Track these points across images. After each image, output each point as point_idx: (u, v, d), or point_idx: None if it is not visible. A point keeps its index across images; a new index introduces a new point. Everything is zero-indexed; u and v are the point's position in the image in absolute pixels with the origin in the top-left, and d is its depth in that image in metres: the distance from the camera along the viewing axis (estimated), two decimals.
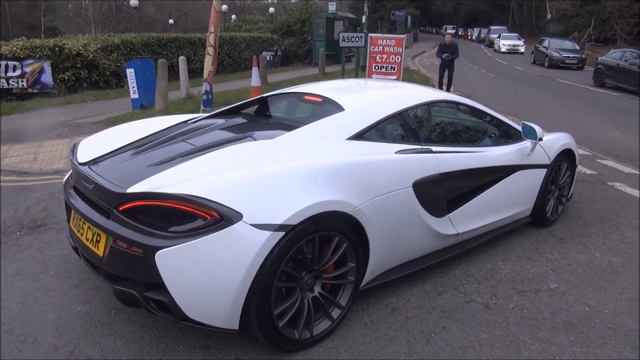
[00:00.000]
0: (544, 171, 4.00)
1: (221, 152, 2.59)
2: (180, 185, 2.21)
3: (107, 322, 2.69)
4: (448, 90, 12.23)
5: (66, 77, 12.78)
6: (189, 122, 3.48)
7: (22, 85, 11.80)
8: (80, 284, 3.11)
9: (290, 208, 2.24)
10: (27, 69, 11.85)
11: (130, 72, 9.48)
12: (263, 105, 3.89)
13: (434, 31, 70.20)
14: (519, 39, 34.74)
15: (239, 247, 2.13)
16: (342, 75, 12.43)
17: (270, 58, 20.85)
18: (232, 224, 2.12)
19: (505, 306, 2.94)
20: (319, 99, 3.37)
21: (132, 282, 2.26)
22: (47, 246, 3.66)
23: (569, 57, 22.82)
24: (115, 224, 2.28)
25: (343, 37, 11.66)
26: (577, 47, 24.44)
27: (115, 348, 2.48)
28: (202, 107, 7.74)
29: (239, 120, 3.46)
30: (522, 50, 32.18)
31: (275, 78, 15.24)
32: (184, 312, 2.15)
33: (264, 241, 2.15)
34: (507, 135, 3.91)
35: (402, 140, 3.11)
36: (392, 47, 10.82)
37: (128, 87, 9.76)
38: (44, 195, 4.83)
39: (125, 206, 2.26)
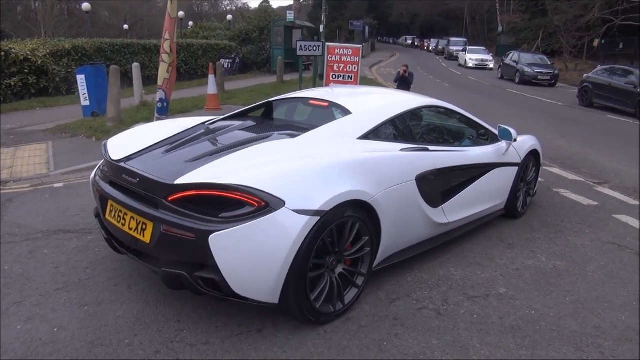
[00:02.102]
0: (515, 169, 4.54)
1: (254, 148, 2.93)
2: (229, 177, 2.50)
3: (49, 341, 2.57)
4: None
5: (12, 83, 12.26)
6: (206, 123, 3.77)
7: None
8: (21, 300, 2.96)
9: (324, 196, 2.59)
10: None
11: (81, 79, 9.18)
12: (270, 109, 4.23)
13: (392, 41, 71.63)
14: (486, 53, 32.36)
15: (283, 230, 2.45)
16: (300, 83, 12.46)
17: (228, 66, 20.70)
18: (277, 210, 2.44)
19: (456, 312, 3.00)
20: (325, 104, 3.79)
21: (180, 263, 2.52)
22: None
23: (541, 72, 21.30)
24: (166, 213, 2.54)
25: (301, 45, 11.71)
26: (549, 62, 22.92)
27: None
28: (156, 115, 7.58)
29: (253, 122, 3.75)
30: (491, 65, 29.71)
31: (233, 86, 15.12)
32: (232, 289, 2.44)
33: (303, 225, 2.47)
34: (484, 136, 4.41)
35: (403, 139, 3.53)
36: (349, 57, 10.93)
37: (79, 94, 9.45)
38: None
39: (175, 196, 2.53)
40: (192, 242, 2.42)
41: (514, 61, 22.73)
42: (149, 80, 15.02)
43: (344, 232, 2.78)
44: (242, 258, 2.42)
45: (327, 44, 11.19)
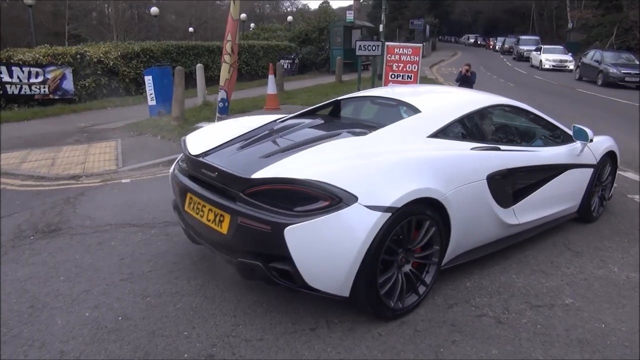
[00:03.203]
0: (590, 171, 4.38)
1: (325, 145, 2.97)
2: (304, 172, 2.58)
3: (114, 329, 2.69)
4: None
5: (87, 84, 13.02)
6: (277, 121, 3.85)
7: (44, 91, 12.03)
8: (90, 289, 3.12)
9: (396, 193, 2.61)
10: (49, 76, 12.09)
11: (148, 80, 9.60)
12: (338, 107, 4.28)
13: (453, 40, 69.89)
14: (564, 52, 28.37)
15: (356, 225, 2.50)
16: (359, 83, 12.41)
17: (287, 66, 20.95)
18: (349, 205, 2.50)
19: (518, 321, 2.86)
20: (394, 102, 3.87)
21: (255, 254, 2.62)
22: (60, 251, 3.69)
23: (629, 73, 18.57)
24: (242, 205, 2.65)
25: (360, 45, 11.66)
26: (637, 62, 19.97)
27: (121, 355, 2.47)
28: (217, 114, 7.80)
29: (322, 120, 3.82)
30: (571, 66, 25.62)
31: (292, 86, 15.30)
32: (304, 280, 2.52)
33: (375, 220, 2.52)
34: (558, 136, 4.30)
35: (473, 138, 3.50)
36: (408, 56, 10.77)
37: (146, 94, 9.89)
38: (60, 200, 4.89)
39: (252, 190, 2.64)
40: (267, 234, 2.52)
41: (596, 61, 20.19)
42: (212, 80, 15.46)
43: (414, 228, 2.81)
44: (316, 251, 2.50)
45: (387, 43, 11.07)
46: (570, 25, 39.86)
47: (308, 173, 2.57)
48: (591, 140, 4.24)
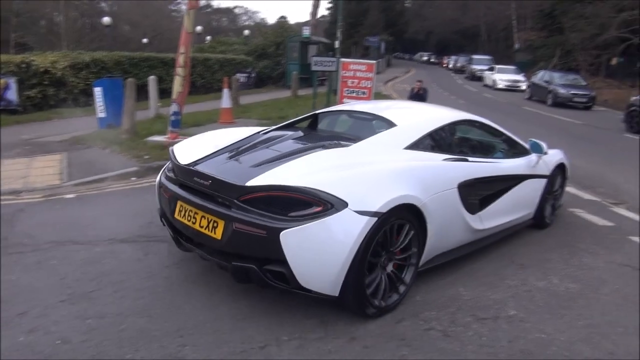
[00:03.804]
0: (544, 181, 4.77)
1: (314, 155, 3.24)
2: (297, 180, 2.79)
3: (50, 354, 2.56)
4: None
5: (32, 94, 12.50)
6: (260, 133, 4.01)
7: None
8: (26, 311, 2.96)
9: (381, 199, 2.83)
10: None
11: (98, 91, 9.33)
12: (318, 120, 4.53)
13: (407, 57, 71.71)
14: (517, 72, 28.76)
15: (346, 228, 2.71)
16: (314, 99, 12.49)
17: (244, 80, 20.87)
18: (341, 210, 2.70)
19: (464, 334, 2.92)
20: (370, 117, 4.15)
21: (249, 258, 2.78)
22: None
23: (577, 94, 18.98)
24: (238, 212, 2.80)
25: (315, 61, 11.77)
26: (584, 83, 20.68)
27: None
28: (170, 128, 7.66)
29: (305, 132, 4.13)
30: (524, 86, 25.53)
31: (248, 100, 15.23)
32: (298, 282, 2.69)
33: (364, 224, 2.73)
34: (516, 149, 4.65)
35: (443, 150, 3.77)
36: (363, 72, 10.99)
37: (95, 106, 9.59)
38: None
39: (247, 197, 2.81)
40: (263, 238, 2.68)
41: (546, 81, 20.68)
42: (166, 93, 15.08)
43: (396, 232, 3.03)
44: (309, 253, 2.68)
45: (341, 59, 11.24)
46: (516, 46, 41.76)
47: (302, 181, 2.78)
48: (546, 153, 4.73)
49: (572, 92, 19.10)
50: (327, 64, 11.79)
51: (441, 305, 3.27)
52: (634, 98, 14.17)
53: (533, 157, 4.63)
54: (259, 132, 4.03)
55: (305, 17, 29.12)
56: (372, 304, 2.96)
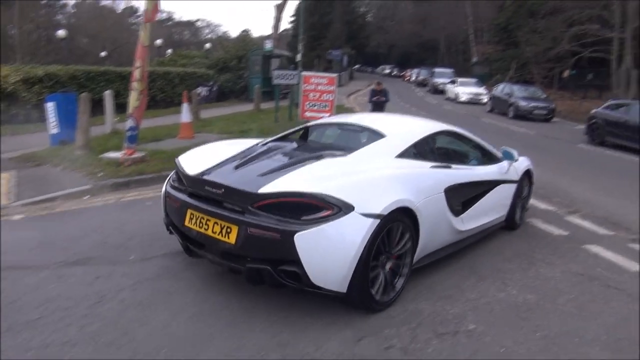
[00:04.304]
0: (515, 185, 5.17)
1: (317, 163, 3.50)
2: (308, 186, 3.05)
3: None
4: None
5: None
6: (259, 145, 4.25)
7: None
8: None
9: (383, 203, 3.13)
10: None
11: (50, 106, 9.00)
12: (312, 132, 4.85)
13: (370, 70, 72.70)
14: (479, 85, 28.82)
15: (354, 229, 2.97)
16: (276, 112, 12.46)
17: (205, 93, 20.66)
18: (348, 213, 2.97)
19: (424, 351, 2.89)
20: (359, 128, 4.44)
21: (263, 260, 3.00)
22: None
23: (537, 107, 19.38)
24: (251, 217, 3.03)
25: (277, 74, 11.77)
26: (544, 95, 21.20)
27: None
28: (126, 143, 7.44)
29: (302, 143, 4.47)
30: (485, 99, 25.34)
31: (209, 114, 15.04)
32: (310, 280, 2.92)
33: (369, 225, 3.00)
34: (489, 157, 5.02)
35: (429, 158, 4.09)
36: (325, 86, 11.04)
37: (48, 122, 9.23)
38: None
39: (260, 203, 3.04)
40: (277, 240, 2.91)
41: (507, 94, 20.99)
42: (126, 107, 14.83)
43: (394, 233, 3.31)
44: (321, 253, 2.91)
45: (303, 73, 11.26)
46: (474, 59, 43.01)
47: (312, 187, 3.03)
48: (516, 160, 5.17)
49: (533, 104, 19.51)
50: (289, 77, 11.80)
51: (402, 321, 3.24)
52: (595, 110, 14.48)
53: (504, 163, 5.02)
54: (257, 144, 4.27)
55: (268, 30, 29.22)
56: (374, 299, 3.23)
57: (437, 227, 3.79)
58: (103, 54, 43.48)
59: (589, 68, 27.57)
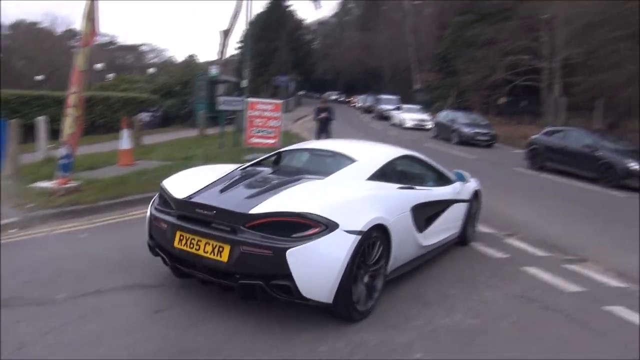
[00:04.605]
0: (466, 205, 5.58)
1: (299, 186, 3.78)
2: (297, 206, 3.32)
3: None
4: None
5: None
6: (238, 169, 4.47)
7: None
8: None
9: (363, 220, 3.44)
10: None
11: None
12: (285, 156, 5.09)
13: (317, 96, 73.51)
14: (423, 111, 29.58)
15: (339, 245, 3.27)
16: (221, 138, 12.28)
17: (149, 119, 20.16)
18: (334, 230, 3.25)
19: None
20: (330, 153, 4.78)
21: (255, 276, 3.23)
22: None
23: (479, 133, 20.01)
24: (244, 236, 3.25)
25: (222, 100, 11.66)
26: (485, 122, 21.90)
27: None
28: (60, 172, 7.03)
29: (277, 168, 4.72)
30: (429, 125, 25.91)
31: (152, 140, 14.62)
32: (301, 293, 3.17)
33: (352, 241, 3.30)
34: (444, 179, 5.39)
35: (394, 180, 4.48)
36: (270, 112, 11.02)
37: None
38: None
39: (252, 223, 3.27)
40: (269, 257, 3.15)
41: (450, 120, 21.60)
42: (61, 134, 14.18)
43: (372, 247, 3.60)
44: (310, 267, 3.17)
45: (248, 99, 11.20)
46: (417, 87, 44.55)
47: (300, 207, 3.31)
48: (469, 182, 5.64)
49: (475, 130, 20.07)
50: (234, 103, 11.72)
51: (348, 353, 3.16)
52: (534, 137, 14.97)
53: (457, 184, 5.43)
54: (236, 169, 4.50)
55: (215, 56, 28.98)
56: (356, 309, 3.51)
57: (405, 242, 4.11)
58: (39, 77, 41.67)
59: (523, 95, 29.19)
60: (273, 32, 54.61)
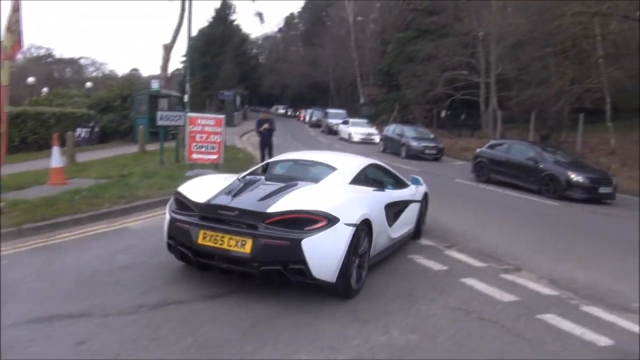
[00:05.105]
0: (419, 204, 6.56)
1: (301, 189, 4.61)
2: (308, 205, 4.19)
3: None
4: None
5: None
6: (239, 178, 5.13)
7: None
8: None
9: (356, 215, 4.33)
10: None
11: None
12: (268, 166, 5.98)
13: (264, 110, 72.97)
14: (370, 125, 29.89)
15: (340, 235, 4.10)
16: (161, 154, 11.90)
17: (86, 135, 19.35)
18: (337, 223, 4.08)
19: None
20: (311, 163, 5.72)
21: (274, 262, 3.97)
22: None
23: (428, 146, 20.36)
24: (264, 231, 4.02)
25: (161, 115, 11.32)
26: (432, 136, 22.47)
27: None
28: None
29: (270, 176, 5.44)
30: (377, 139, 26.01)
31: (88, 157, 14.00)
32: (312, 274, 3.97)
33: (350, 232, 4.15)
34: (401, 183, 6.35)
35: (368, 184, 5.40)
36: (212, 127, 10.75)
37: None
38: None
39: (272, 219, 4.06)
40: (286, 246, 3.95)
41: (398, 134, 21.75)
42: None
43: (361, 237, 4.44)
44: (320, 253, 3.98)
45: (189, 114, 10.93)
46: (362, 101, 45.35)
47: (310, 206, 4.18)
48: (422, 185, 6.78)
49: (424, 144, 20.37)
50: (174, 118, 11.41)
51: None
52: (479, 150, 15.21)
53: (413, 187, 6.47)
54: (238, 178, 5.15)
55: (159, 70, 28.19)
56: (351, 287, 4.35)
57: (381, 234, 4.99)
58: None
59: (462, 109, 30.30)
60: (218, 47, 54.18)
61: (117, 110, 22.29)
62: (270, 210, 4.07)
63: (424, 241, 6.70)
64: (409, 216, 6.11)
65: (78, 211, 6.94)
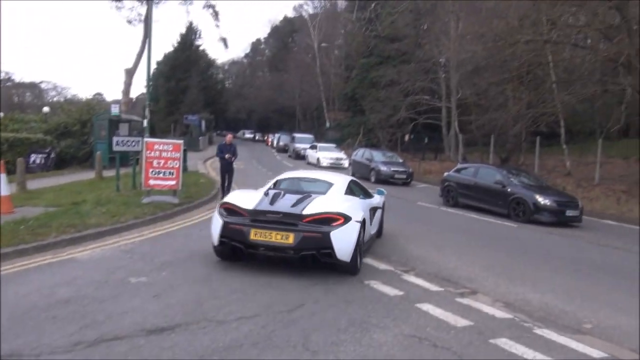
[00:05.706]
0: (381, 210, 8.46)
1: (321, 198, 6.33)
2: (331, 208, 5.95)
3: None
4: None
5: None
6: (265, 192, 6.55)
7: None
8: None
9: (359, 215, 6.10)
10: None
11: None
12: (277, 182, 7.44)
13: (228, 134, 72.76)
14: (338, 150, 29.76)
15: (354, 228, 5.89)
16: (117, 180, 11.57)
17: (41, 161, 18.71)
18: (350, 221, 5.85)
19: None
20: (314, 179, 7.53)
21: (311, 249, 5.72)
22: None
23: (397, 171, 20.21)
24: (302, 227, 5.71)
25: (117, 141, 11.05)
26: (400, 160, 22.31)
27: None
28: None
29: (286, 190, 6.81)
30: (346, 164, 26.01)
31: (42, 184, 13.48)
32: (337, 256, 5.70)
33: (358, 227, 5.95)
34: (368, 194, 8.10)
35: (355, 194, 7.26)
36: (170, 152, 10.50)
37: None
38: None
39: (308, 219, 5.75)
40: (319, 238, 5.65)
41: (367, 159, 21.70)
42: None
43: (361, 231, 6.02)
44: (341, 241, 5.68)
45: (146, 139, 10.69)
46: (328, 125, 45.72)
47: (332, 209, 5.92)
48: (384, 195, 8.71)
49: (393, 169, 20.22)
50: (131, 144, 11.15)
51: None
52: (447, 174, 15.10)
53: (377, 197, 8.33)
54: (264, 192, 6.56)
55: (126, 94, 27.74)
56: (358, 266, 6.09)
57: (368, 230, 6.78)
58: None
59: (425, 133, 30.89)
60: (183, 71, 53.86)
61: (76, 136, 21.69)
62: (305, 212, 5.76)
63: (382, 265, 6.66)
64: (376, 219, 7.92)
65: (22, 242, 6.61)
